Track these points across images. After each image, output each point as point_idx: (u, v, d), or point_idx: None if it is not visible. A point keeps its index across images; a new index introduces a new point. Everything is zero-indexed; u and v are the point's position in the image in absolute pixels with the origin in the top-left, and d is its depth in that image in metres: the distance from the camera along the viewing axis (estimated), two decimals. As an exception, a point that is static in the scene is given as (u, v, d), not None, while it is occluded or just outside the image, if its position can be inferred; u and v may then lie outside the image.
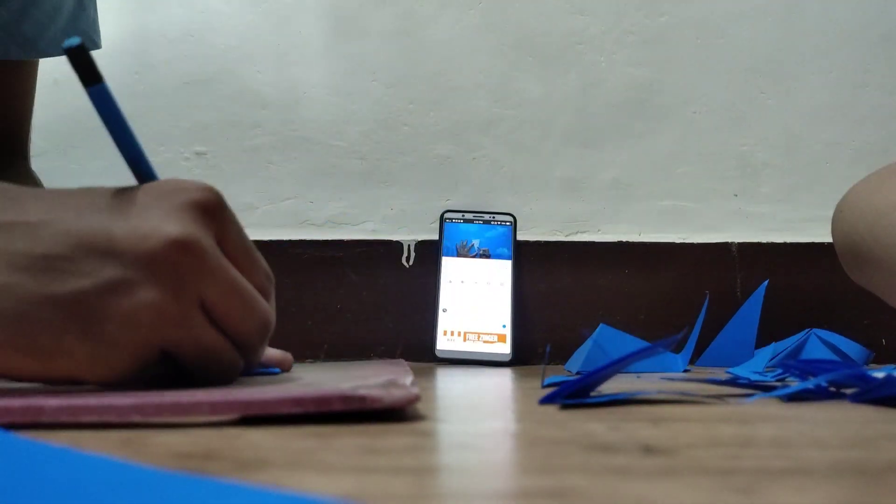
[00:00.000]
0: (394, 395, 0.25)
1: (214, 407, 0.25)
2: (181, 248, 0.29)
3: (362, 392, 0.25)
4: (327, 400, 0.25)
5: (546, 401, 0.32)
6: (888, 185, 0.58)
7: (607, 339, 0.59)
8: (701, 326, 0.69)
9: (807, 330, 0.66)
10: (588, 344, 0.59)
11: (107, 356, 0.28)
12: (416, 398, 0.26)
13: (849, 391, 0.35)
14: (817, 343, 0.64)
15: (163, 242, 0.28)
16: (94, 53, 0.68)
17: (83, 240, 0.28)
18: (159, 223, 0.29)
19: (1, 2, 0.59)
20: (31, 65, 0.66)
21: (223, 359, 0.31)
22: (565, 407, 0.31)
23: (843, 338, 0.65)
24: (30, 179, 0.67)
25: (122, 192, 0.31)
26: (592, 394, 0.34)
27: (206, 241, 0.30)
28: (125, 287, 0.28)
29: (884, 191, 0.58)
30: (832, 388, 0.36)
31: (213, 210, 0.31)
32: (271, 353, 0.47)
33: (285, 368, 0.46)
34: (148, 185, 0.32)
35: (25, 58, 0.63)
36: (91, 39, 0.66)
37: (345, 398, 0.25)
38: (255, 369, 0.41)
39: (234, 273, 0.31)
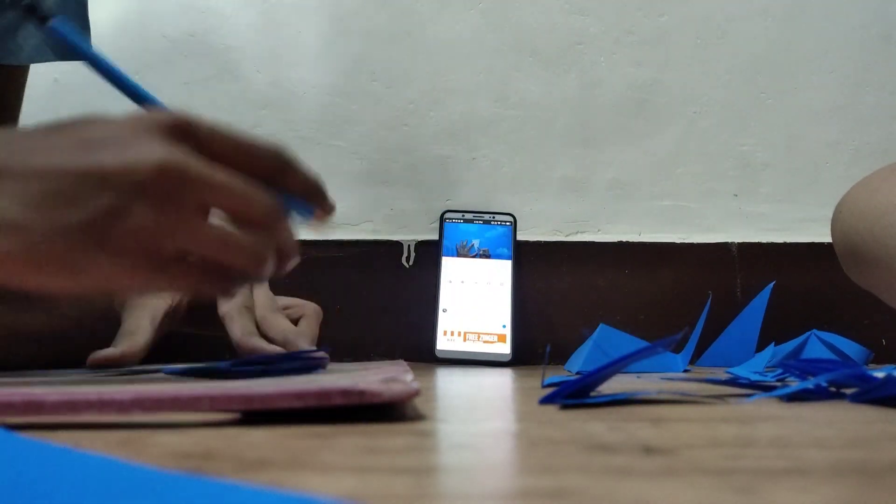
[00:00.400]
0: (393, 389, 0.25)
1: (214, 401, 0.25)
2: (164, 170, 0.33)
3: (362, 386, 0.25)
4: (328, 394, 0.25)
5: (546, 401, 0.32)
6: (887, 186, 0.58)
7: (607, 340, 0.59)
8: (702, 327, 0.69)
9: (809, 332, 0.66)
10: (588, 344, 0.59)
11: (129, 264, 0.33)
12: (416, 393, 0.26)
13: (849, 391, 0.35)
14: (817, 343, 0.64)
15: (149, 168, 0.33)
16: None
17: (79, 176, 0.33)
18: (141, 151, 0.33)
19: (2, 13, 0.62)
20: (21, 72, 0.69)
21: (243, 245, 0.35)
22: (565, 407, 0.31)
23: (842, 338, 0.65)
24: None
25: (103, 126, 0.36)
26: (592, 394, 0.34)
27: (185, 156, 0.34)
28: (122, 211, 0.32)
29: (883, 191, 0.58)
30: (832, 389, 0.36)
31: (184, 127, 0.35)
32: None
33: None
34: (129, 118, 0.36)
35: (15, 63, 0.66)
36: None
37: (344, 392, 0.25)
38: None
39: (220, 175, 0.34)
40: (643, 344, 0.61)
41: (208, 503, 0.11)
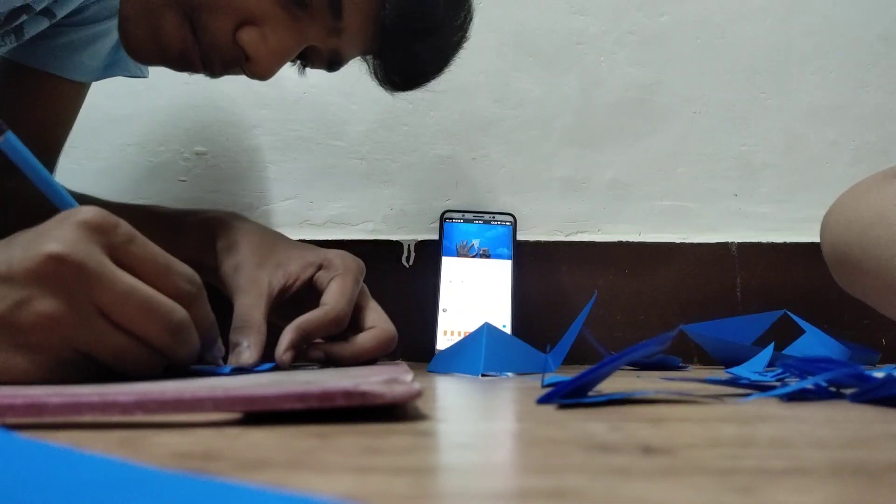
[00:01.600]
0: (395, 390, 0.26)
1: (218, 403, 0.25)
2: (58, 261, 0.33)
3: (364, 388, 0.25)
4: (330, 395, 0.25)
5: (544, 400, 0.32)
6: (874, 195, 0.58)
7: (495, 340, 0.57)
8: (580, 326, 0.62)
9: (781, 311, 0.67)
10: (481, 344, 0.56)
11: (37, 362, 0.34)
12: (418, 394, 0.26)
13: (848, 391, 0.35)
14: (816, 342, 0.64)
15: (41, 258, 0.33)
16: (141, 81, 0.74)
17: None
18: (41, 243, 0.34)
19: (75, 29, 0.65)
20: (80, 89, 0.71)
21: (137, 358, 0.36)
22: (563, 407, 0.31)
23: (839, 342, 0.65)
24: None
25: (35, 228, 0.36)
26: (590, 393, 0.34)
27: (87, 252, 0.34)
28: (25, 303, 0.33)
29: (870, 200, 0.58)
30: (832, 389, 0.36)
31: (100, 227, 0.35)
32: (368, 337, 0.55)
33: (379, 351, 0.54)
34: (53, 217, 0.36)
35: (80, 80, 0.69)
36: (139, 67, 0.72)
37: (347, 393, 0.25)
38: (221, 367, 0.43)
39: (127, 279, 0.35)
40: (524, 345, 0.61)
41: (209, 503, 0.11)
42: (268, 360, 0.52)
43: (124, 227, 0.36)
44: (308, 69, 0.62)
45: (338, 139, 0.88)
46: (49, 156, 0.72)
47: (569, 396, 0.32)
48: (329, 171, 0.88)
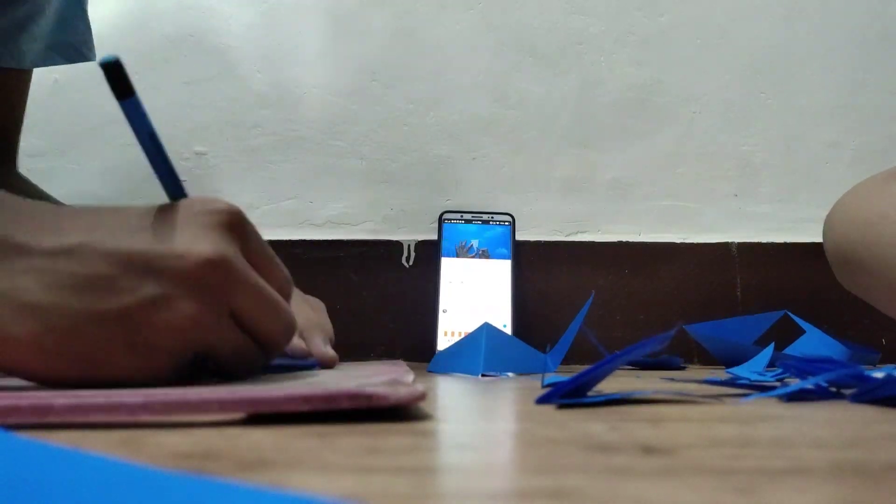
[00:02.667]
0: (399, 392, 0.26)
1: (223, 405, 0.25)
2: (213, 266, 0.31)
3: (369, 390, 0.25)
4: (335, 398, 0.25)
5: (542, 400, 0.32)
6: (877, 195, 0.58)
7: (494, 339, 0.57)
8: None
9: (781, 311, 0.67)
10: (481, 344, 0.56)
11: (149, 362, 0.31)
12: (422, 396, 0.27)
13: (848, 391, 0.35)
14: (816, 342, 0.64)
15: (197, 261, 0.31)
16: (86, 65, 0.69)
17: (123, 259, 0.31)
18: (193, 243, 0.32)
19: (2, 13, 0.61)
20: (24, 75, 0.68)
21: (251, 358, 0.35)
22: (561, 406, 0.31)
23: (839, 342, 0.65)
24: (20, 182, 0.69)
25: (152, 213, 0.34)
26: (590, 393, 0.34)
27: (235, 256, 0.32)
28: (164, 302, 0.31)
29: (873, 200, 0.58)
30: (832, 389, 0.36)
31: (237, 226, 0.34)
32: (320, 349, 0.55)
33: (327, 366, 0.53)
34: (176, 205, 0.35)
35: (18, 67, 0.65)
36: (80, 52, 0.69)
37: (351, 396, 0.25)
38: (286, 362, 0.44)
39: (261, 282, 0.34)
40: (524, 345, 0.60)
41: (210, 503, 0.11)
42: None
43: (252, 225, 0.35)
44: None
45: (338, 139, 0.88)
46: (3, 146, 0.68)
47: (568, 396, 0.32)
48: (329, 171, 0.88)
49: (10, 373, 0.30)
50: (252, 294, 0.33)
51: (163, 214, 0.33)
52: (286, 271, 0.37)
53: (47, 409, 0.24)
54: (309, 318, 0.58)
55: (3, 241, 0.30)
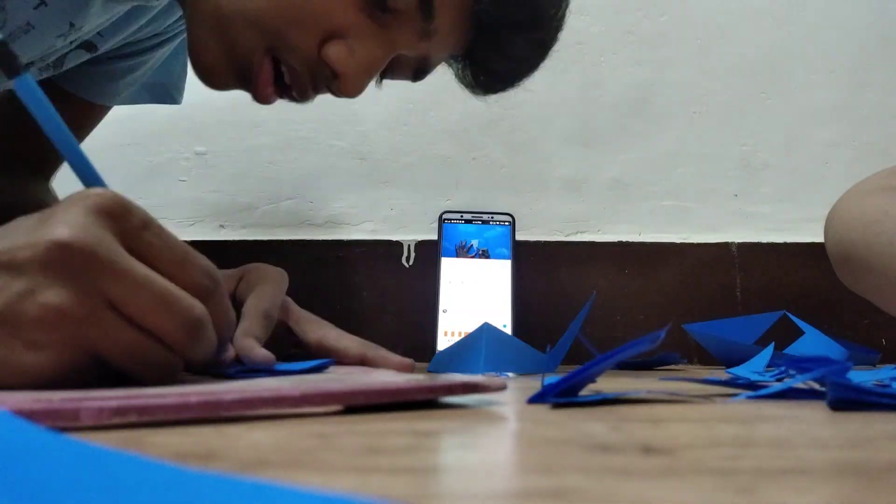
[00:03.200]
0: (495, 382, 0.30)
1: (355, 395, 0.27)
2: (64, 248, 0.30)
3: (476, 380, 0.30)
4: (453, 387, 0.30)
5: (534, 399, 0.32)
6: (879, 193, 0.58)
7: (493, 339, 0.57)
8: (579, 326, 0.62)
9: (780, 312, 0.67)
10: (481, 344, 0.56)
11: (30, 361, 0.30)
12: (504, 385, 0.31)
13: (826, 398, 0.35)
14: (816, 342, 0.64)
15: (47, 246, 0.30)
16: (172, 108, 0.73)
17: None
18: (47, 228, 0.30)
19: (117, 61, 0.64)
20: (105, 109, 0.70)
21: (151, 358, 0.32)
22: (556, 406, 0.31)
23: (838, 342, 0.65)
24: (45, 194, 0.69)
25: (41, 212, 0.33)
26: (583, 393, 0.34)
27: (99, 239, 0.30)
28: (29, 293, 0.30)
29: (875, 198, 0.58)
30: (822, 389, 0.36)
31: (112, 212, 0.32)
32: (387, 358, 0.52)
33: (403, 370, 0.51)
34: (62, 200, 0.33)
35: (108, 104, 0.68)
36: (169, 94, 0.71)
37: (465, 385, 0.30)
38: (269, 365, 0.42)
39: (141, 269, 0.31)
40: (524, 345, 0.60)
41: (241, 502, 0.11)
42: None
43: (138, 211, 0.33)
44: (386, 80, 0.57)
45: (338, 139, 0.88)
46: (46, 160, 0.70)
47: (560, 396, 0.32)
48: (329, 171, 0.88)
49: None
50: (128, 282, 0.31)
51: (49, 211, 0.32)
52: (207, 265, 0.34)
53: (217, 405, 0.24)
54: (367, 345, 0.54)
55: None
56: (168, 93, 0.71)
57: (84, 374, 0.32)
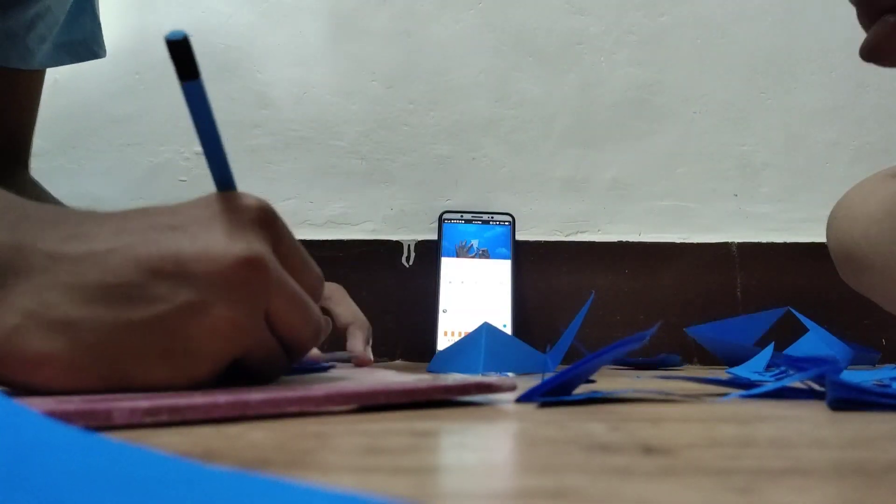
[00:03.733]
0: (506, 382, 0.31)
1: (376, 395, 0.28)
2: (249, 266, 0.30)
3: (489, 381, 0.31)
4: (467, 388, 0.30)
5: (524, 399, 0.32)
6: (881, 191, 0.58)
7: (494, 339, 0.57)
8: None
9: (784, 308, 0.68)
10: (481, 345, 0.56)
11: (188, 370, 0.29)
12: (514, 385, 0.32)
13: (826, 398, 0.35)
14: (819, 341, 0.64)
15: (232, 262, 0.29)
16: (100, 61, 0.69)
17: (154, 265, 0.29)
18: (226, 243, 0.30)
19: (10, 14, 0.60)
20: (35, 76, 0.67)
21: (280, 363, 0.33)
22: (555, 405, 0.31)
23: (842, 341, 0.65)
24: (29, 186, 0.68)
25: (180, 211, 0.31)
26: (577, 391, 0.34)
27: (268, 255, 0.31)
28: (201, 307, 0.29)
29: (877, 196, 0.58)
30: (821, 388, 0.36)
31: (269, 223, 0.32)
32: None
33: (361, 366, 0.56)
34: (205, 201, 0.32)
35: (26, 67, 0.64)
36: (90, 50, 0.68)
37: (479, 385, 0.30)
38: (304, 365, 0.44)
39: (294, 283, 0.32)
40: (524, 345, 0.60)
41: (258, 501, 0.11)
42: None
43: (281, 219, 0.33)
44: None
45: (338, 139, 0.88)
46: (15, 147, 0.68)
47: (550, 394, 0.32)
48: (329, 171, 0.88)
49: (39, 391, 0.28)
50: (286, 296, 0.31)
51: (191, 212, 0.31)
52: (318, 270, 0.35)
53: (245, 405, 0.25)
54: (356, 315, 0.60)
55: (28, 250, 0.28)
56: (89, 49, 0.68)
57: (219, 378, 0.31)
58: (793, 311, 0.67)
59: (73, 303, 0.28)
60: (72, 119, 0.87)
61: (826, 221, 0.65)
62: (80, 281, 0.28)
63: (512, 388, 0.31)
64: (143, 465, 0.13)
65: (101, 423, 0.23)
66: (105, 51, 0.69)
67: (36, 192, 0.67)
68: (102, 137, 0.87)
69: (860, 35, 0.38)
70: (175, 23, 0.89)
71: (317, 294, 0.35)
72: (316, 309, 0.33)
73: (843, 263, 0.62)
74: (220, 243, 0.30)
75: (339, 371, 0.47)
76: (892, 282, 0.54)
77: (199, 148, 0.87)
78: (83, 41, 0.68)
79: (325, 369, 0.47)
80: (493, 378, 0.31)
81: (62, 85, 0.86)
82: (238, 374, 0.32)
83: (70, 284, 0.28)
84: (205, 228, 0.30)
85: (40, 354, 0.27)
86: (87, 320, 0.28)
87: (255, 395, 0.25)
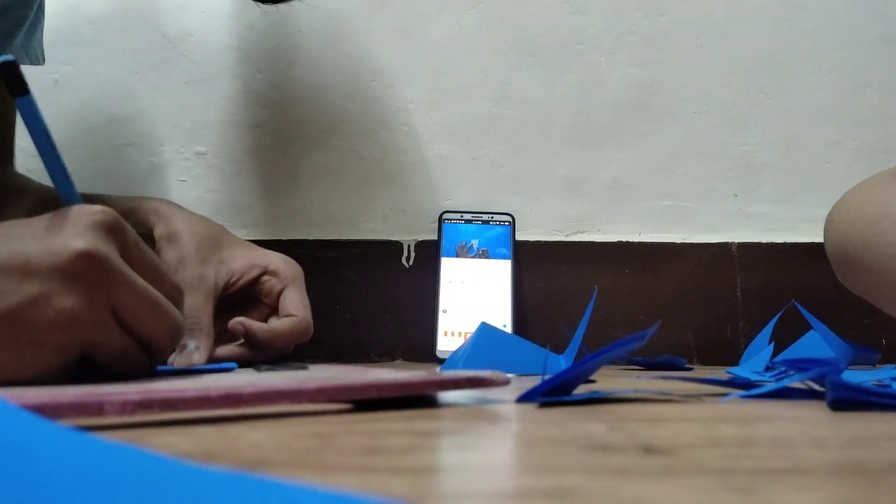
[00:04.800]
0: (499, 377, 0.32)
1: (368, 389, 0.28)
2: (87, 259, 0.33)
3: (482, 375, 0.31)
4: (459, 381, 0.31)
5: (524, 399, 0.32)
6: (879, 193, 0.58)
7: (487, 339, 0.57)
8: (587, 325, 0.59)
9: (789, 303, 0.67)
10: (469, 343, 0.56)
11: (36, 361, 0.33)
12: (508, 381, 0.32)
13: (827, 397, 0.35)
14: (819, 340, 0.64)
15: (71, 255, 0.33)
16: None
17: (3, 264, 0.32)
18: (67, 240, 0.33)
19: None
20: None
21: (133, 359, 0.36)
22: (556, 405, 0.31)
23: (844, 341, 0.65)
24: (13, 179, 0.70)
25: (31, 222, 0.35)
26: (577, 391, 0.34)
27: (110, 253, 0.34)
28: (44, 299, 0.32)
29: (875, 199, 0.58)
30: (819, 389, 0.36)
31: (113, 227, 0.35)
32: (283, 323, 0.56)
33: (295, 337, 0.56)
34: (55, 213, 0.36)
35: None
36: (38, 57, 0.71)
37: (471, 380, 0.31)
38: (205, 366, 0.45)
39: (141, 281, 0.35)
40: (523, 342, 0.60)
41: (254, 501, 0.11)
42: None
43: (130, 229, 0.37)
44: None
45: (338, 139, 0.88)
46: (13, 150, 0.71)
47: (549, 394, 0.32)
48: (329, 171, 0.88)
49: None
50: (132, 291, 0.34)
51: (40, 222, 0.35)
52: (175, 281, 0.39)
53: (237, 399, 0.26)
54: (300, 308, 0.59)
55: None
56: (38, 56, 0.70)
57: (69, 371, 0.34)
58: (797, 305, 0.67)
59: None
60: (72, 119, 0.87)
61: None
62: None
63: (505, 383, 0.32)
64: (143, 465, 0.13)
65: (92, 416, 0.23)
66: (44, 59, 0.72)
67: (20, 184, 0.69)
68: (102, 137, 0.87)
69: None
70: (174, 23, 0.89)
71: (175, 302, 0.38)
72: (172, 309, 0.36)
73: (840, 266, 0.62)
74: (62, 241, 0.33)
75: (334, 370, 0.46)
76: (890, 283, 0.54)
77: (199, 147, 0.87)
78: (35, 49, 0.71)
79: (228, 370, 0.47)
80: (486, 372, 0.32)
81: (62, 85, 0.86)
82: (97, 370, 0.35)
83: None
84: (50, 232, 0.34)
85: None
86: None
87: (248, 389, 0.26)
